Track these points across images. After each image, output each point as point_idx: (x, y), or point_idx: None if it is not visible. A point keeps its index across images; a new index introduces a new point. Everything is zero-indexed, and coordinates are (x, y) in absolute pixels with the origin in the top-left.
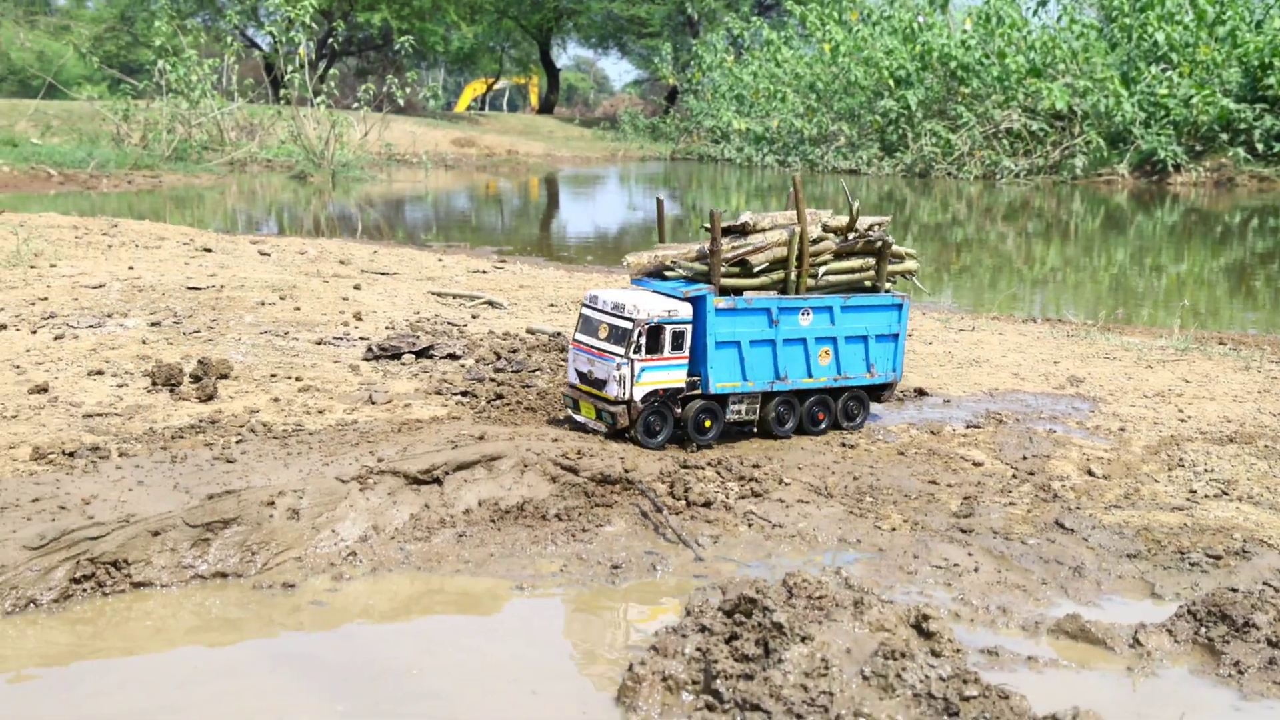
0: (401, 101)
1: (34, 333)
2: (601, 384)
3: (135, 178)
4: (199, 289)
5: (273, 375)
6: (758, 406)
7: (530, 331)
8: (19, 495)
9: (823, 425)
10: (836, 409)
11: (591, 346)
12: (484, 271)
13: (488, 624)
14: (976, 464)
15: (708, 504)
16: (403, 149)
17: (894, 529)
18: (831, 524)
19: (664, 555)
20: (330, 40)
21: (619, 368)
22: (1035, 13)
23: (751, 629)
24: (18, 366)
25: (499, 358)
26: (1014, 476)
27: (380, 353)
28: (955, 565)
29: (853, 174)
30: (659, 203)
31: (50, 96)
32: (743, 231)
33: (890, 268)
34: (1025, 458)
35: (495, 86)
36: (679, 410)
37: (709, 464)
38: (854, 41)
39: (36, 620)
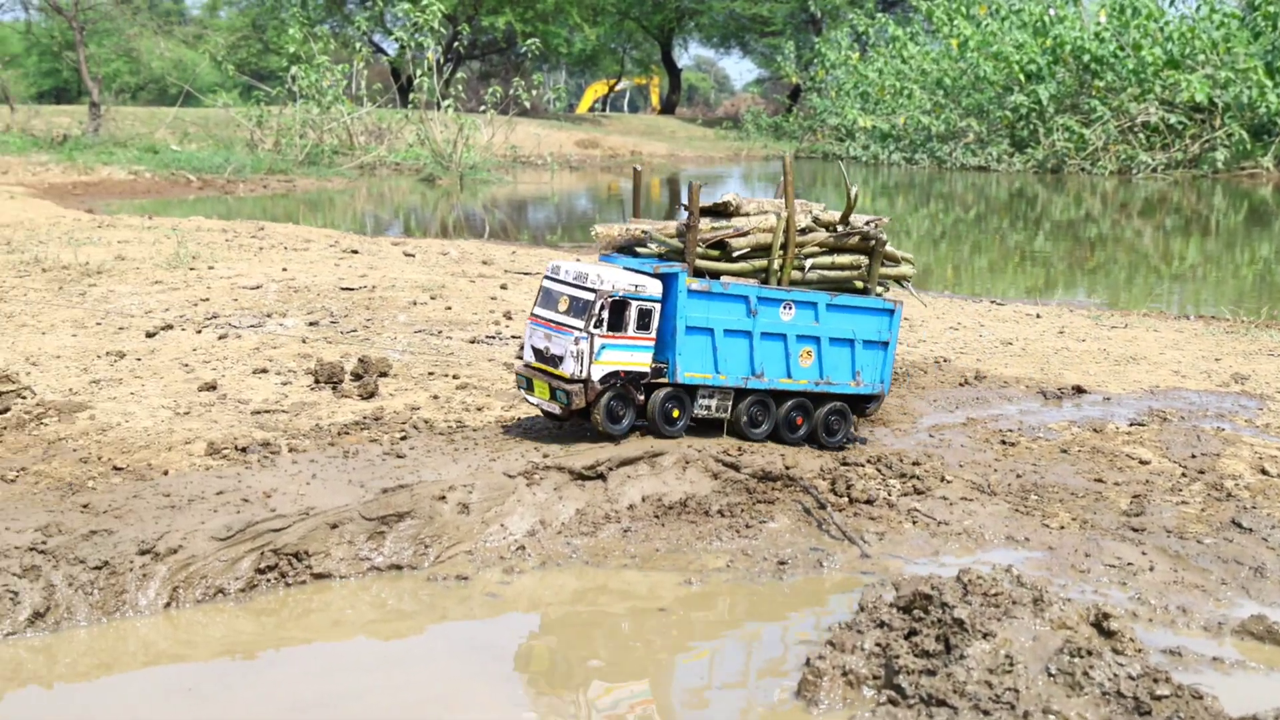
0: (528, 104)
1: (199, 332)
2: (558, 360)
3: (270, 182)
4: (352, 289)
5: (430, 373)
6: (729, 404)
7: None
8: (203, 488)
9: (800, 432)
10: (817, 419)
11: (550, 320)
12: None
13: (660, 618)
14: (1143, 462)
15: (870, 501)
16: (527, 151)
17: (1062, 527)
18: (997, 522)
19: (829, 551)
20: (455, 44)
21: (577, 342)
22: (1172, 3)
23: (931, 625)
24: (186, 365)
25: None
26: (1184, 475)
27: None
28: (1129, 564)
29: (982, 170)
30: (635, 173)
31: (187, 104)
32: (726, 213)
33: (883, 270)
34: (1194, 456)
35: (617, 88)
36: (642, 398)
37: (868, 461)
38: (982, 36)
39: (224, 609)
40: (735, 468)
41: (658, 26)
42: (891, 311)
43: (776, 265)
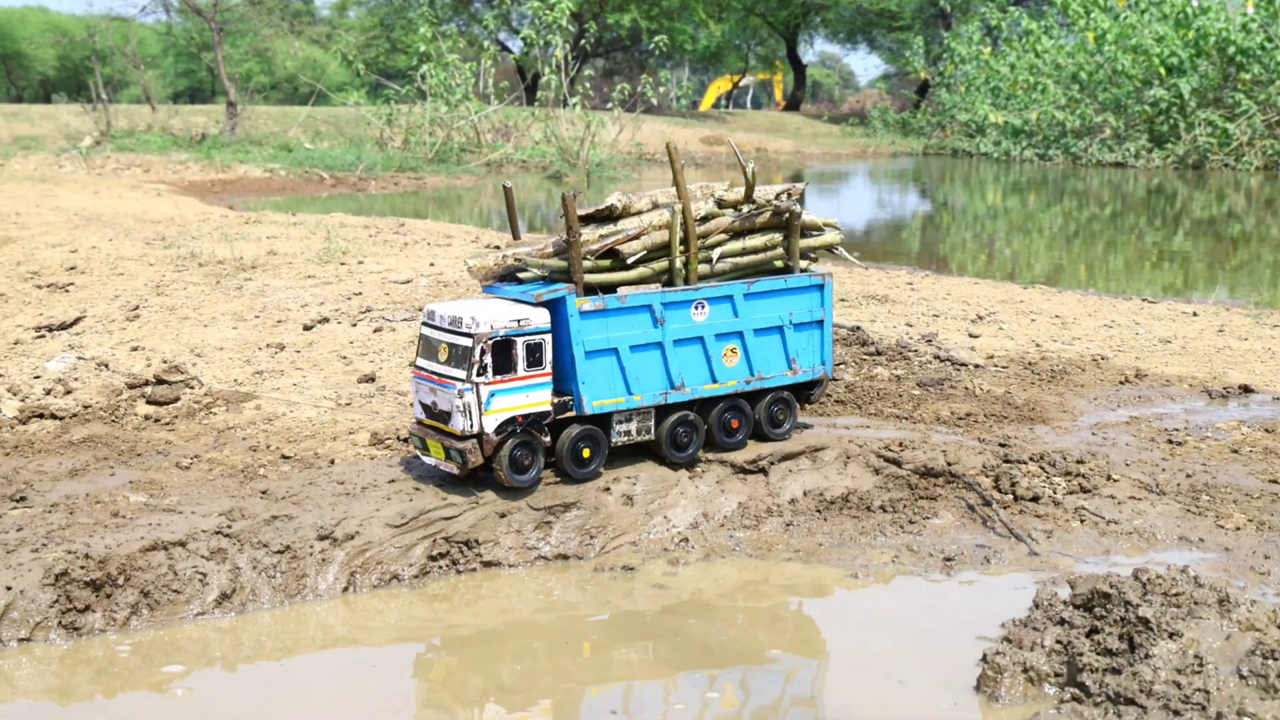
0: (654, 101)
1: (354, 325)
2: (446, 416)
3: (400, 180)
4: None
5: None
6: (651, 424)
7: None
8: (375, 476)
9: (739, 435)
10: (758, 415)
11: (432, 373)
12: None
13: (831, 611)
14: None
15: (1035, 499)
16: (653, 149)
17: (1238, 528)
18: (1168, 522)
19: (996, 549)
20: (582, 42)
21: (461, 395)
22: None
23: (1113, 624)
24: (344, 357)
25: None
26: None
27: None
28: None
29: (1118, 167)
30: (506, 191)
31: (318, 103)
32: (613, 217)
33: (806, 242)
34: None
35: (740, 84)
36: (547, 439)
37: (1031, 459)
38: (1121, 29)
39: (399, 594)
40: (897, 463)
41: (783, 22)
42: (821, 286)
43: (679, 264)
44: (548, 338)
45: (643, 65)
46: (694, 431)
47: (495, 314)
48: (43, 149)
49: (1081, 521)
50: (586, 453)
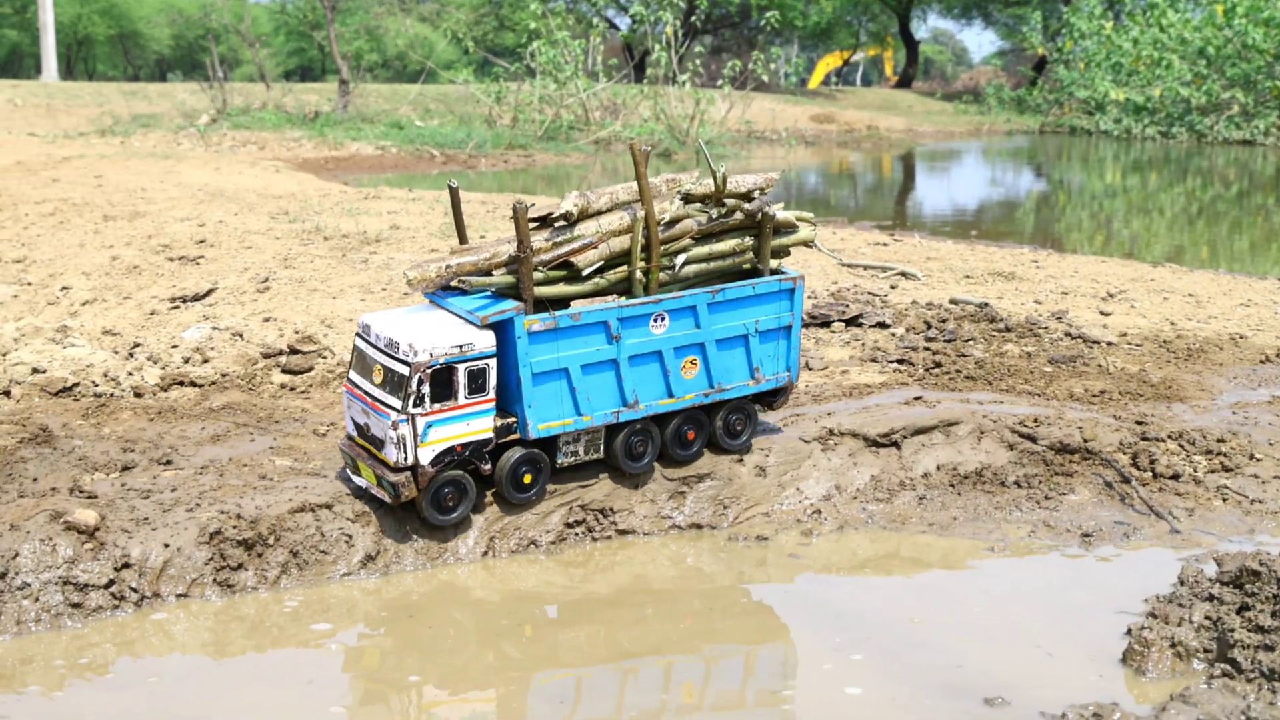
0: (766, 78)
1: None
2: (380, 443)
3: (510, 157)
4: None
5: None
6: (601, 441)
7: (954, 302)
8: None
9: (694, 447)
10: (714, 426)
11: (366, 393)
12: (885, 244)
13: (970, 583)
14: None
15: (1175, 476)
16: (762, 126)
17: None
18: None
19: (1135, 525)
20: (691, 18)
21: (395, 426)
22: None
23: (1265, 601)
24: None
25: (929, 327)
26: None
27: (810, 320)
28: None
29: (1246, 145)
30: (452, 191)
31: (427, 81)
32: (570, 221)
33: (780, 241)
34: None
35: (851, 60)
36: (488, 467)
37: (1169, 436)
38: (1252, 2)
39: (536, 560)
40: (1032, 439)
41: None
42: (792, 290)
43: (639, 274)
44: (493, 362)
45: (752, 42)
46: (649, 440)
47: (435, 338)
48: (161, 127)
49: (1224, 500)
50: (528, 478)
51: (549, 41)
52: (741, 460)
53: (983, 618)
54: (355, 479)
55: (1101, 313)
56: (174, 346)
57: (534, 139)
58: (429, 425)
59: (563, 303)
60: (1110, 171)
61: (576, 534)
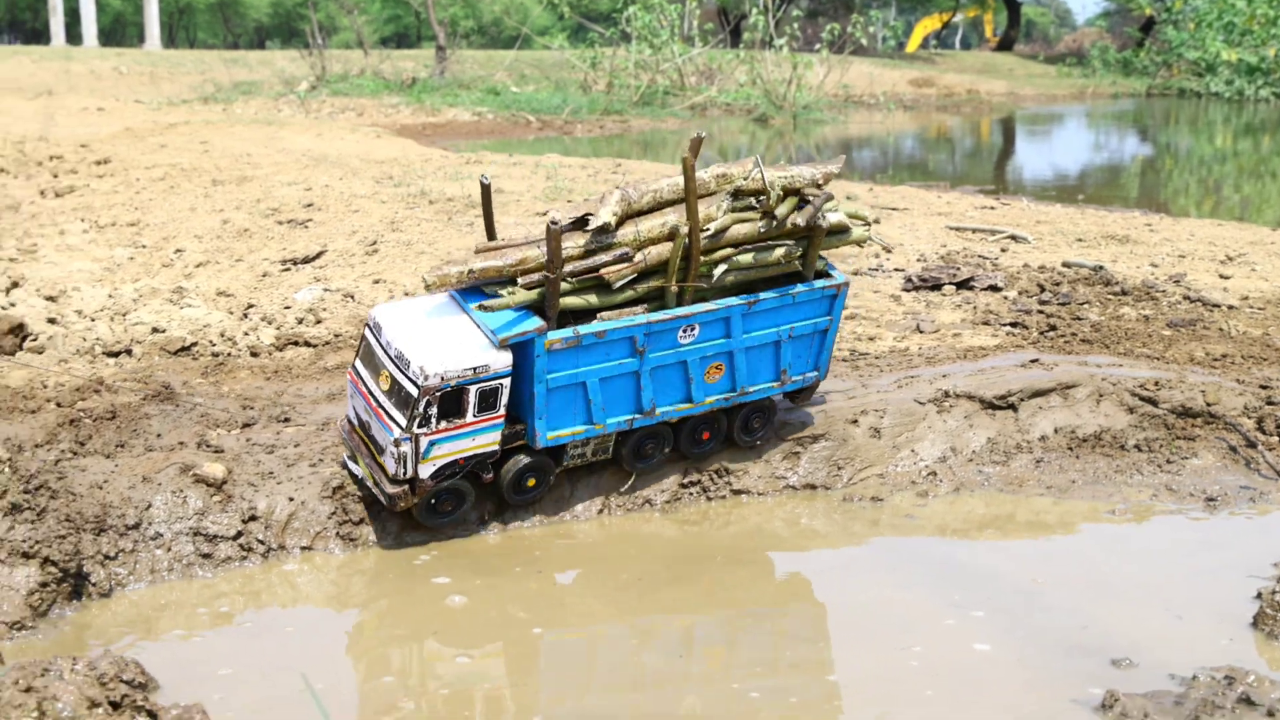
0: (864, 42)
1: None
2: (380, 450)
3: (605, 123)
4: None
5: None
6: (611, 444)
7: (1067, 265)
8: None
9: (709, 445)
10: (732, 424)
11: (369, 393)
12: (992, 207)
13: (1092, 545)
14: None
15: None
16: (860, 91)
17: None
18: None
19: (1262, 490)
20: None
21: (398, 444)
22: None
23: None
24: None
25: (1042, 290)
26: None
27: (920, 283)
28: None
29: None
30: (484, 187)
31: (522, 47)
32: (605, 230)
33: (830, 241)
34: None
35: (950, 22)
36: (490, 476)
37: None
38: None
39: (651, 518)
40: (1153, 402)
41: None
42: (835, 296)
43: (674, 289)
44: (507, 381)
45: (850, 5)
46: (661, 442)
47: (447, 360)
48: (261, 94)
49: None
50: (531, 482)
51: (644, 6)
52: (856, 422)
53: (1107, 579)
54: (352, 466)
55: (1221, 276)
56: (287, 307)
57: (629, 104)
58: (433, 443)
59: (588, 315)
60: (1220, 135)
61: (691, 493)
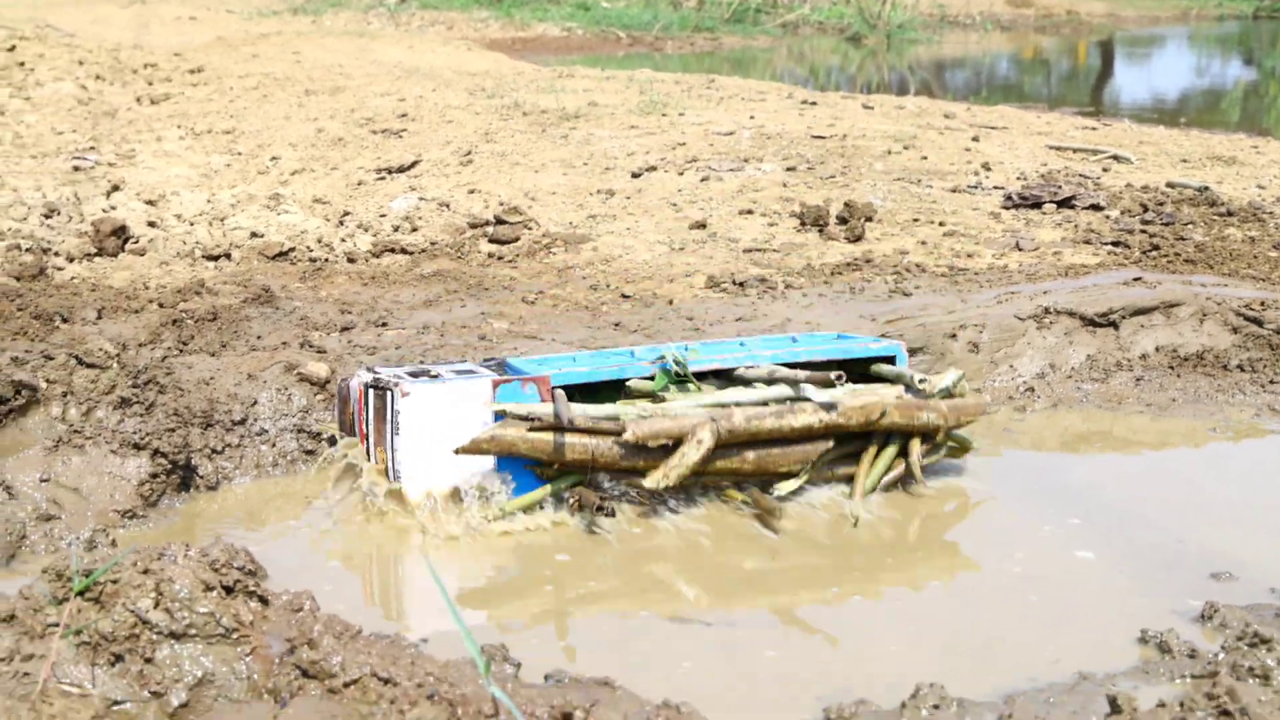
0: None
1: (680, 174)
2: None
3: (696, 40)
4: (823, 138)
5: (915, 219)
6: None
7: (1171, 185)
8: (723, 314)
9: None
10: None
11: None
12: (1093, 128)
13: (1191, 463)
14: None
15: None
16: (955, 11)
17: None
18: None
19: None
20: None
21: None
22: None
23: None
24: (674, 204)
25: (1145, 210)
26: None
27: (1020, 201)
28: None
29: None
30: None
31: None
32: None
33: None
34: None
35: None
36: None
37: None
38: None
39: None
40: (1258, 322)
41: None
42: None
43: None
44: None
45: None
46: None
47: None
48: (350, 6)
49: None
50: None
51: None
52: (955, 336)
53: (1206, 496)
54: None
55: None
56: (382, 215)
57: (721, 22)
58: None
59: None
60: None
61: None
